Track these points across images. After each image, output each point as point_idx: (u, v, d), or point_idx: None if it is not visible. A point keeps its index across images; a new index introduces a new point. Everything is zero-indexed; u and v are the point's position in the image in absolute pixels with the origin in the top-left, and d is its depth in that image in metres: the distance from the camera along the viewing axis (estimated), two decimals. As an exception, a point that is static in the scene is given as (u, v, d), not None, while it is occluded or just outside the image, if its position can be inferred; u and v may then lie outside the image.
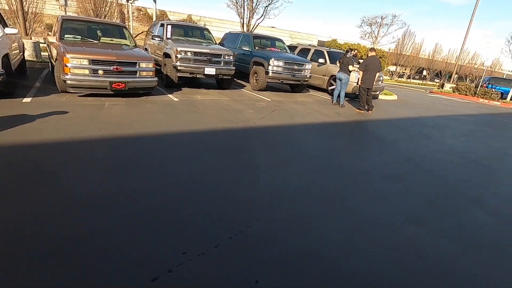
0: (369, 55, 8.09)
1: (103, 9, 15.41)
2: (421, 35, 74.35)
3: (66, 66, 5.43)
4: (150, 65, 6.34)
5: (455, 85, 21.53)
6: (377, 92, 11.17)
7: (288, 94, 9.90)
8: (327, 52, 11.17)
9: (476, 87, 20.28)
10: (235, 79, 11.64)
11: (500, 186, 4.03)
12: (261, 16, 14.95)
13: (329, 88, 10.77)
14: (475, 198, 3.46)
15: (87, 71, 5.61)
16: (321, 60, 10.82)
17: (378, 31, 27.30)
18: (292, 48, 12.36)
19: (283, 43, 11.26)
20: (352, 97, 10.62)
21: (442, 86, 23.00)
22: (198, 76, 8.02)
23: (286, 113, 6.71)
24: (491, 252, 2.44)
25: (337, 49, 18.56)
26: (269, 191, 2.98)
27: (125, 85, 5.92)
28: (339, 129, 6.11)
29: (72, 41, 6.31)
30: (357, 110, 8.24)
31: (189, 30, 9.38)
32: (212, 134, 4.57)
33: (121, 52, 6.27)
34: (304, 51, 12.03)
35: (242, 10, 14.83)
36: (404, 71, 40.14)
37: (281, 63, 9.17)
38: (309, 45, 12.76)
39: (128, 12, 21.52)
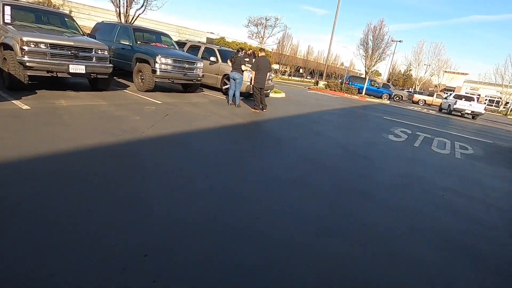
0: (259, 55, 8.20)
1: None
2: (297, 37, 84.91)
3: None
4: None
5: (326, 83, 25.22)
6: (268, 91, 11.68)
7: (181, 94, 9.10)
8: (218, 50, 10.87)
9: (341, 84, 24.30)
10: (115, 77, 9.96)
11: (381, 176, 4.61)
12: (142, 6, 13.29)
13: (223, 87, 10.54)
14: (366, 192, 3.78)
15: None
16: (212, 59, 10.44)
17: (264, 32, 29.11)
18: (180, 44, 11.48)
19: (170, 38, 10.28)
20: (246, 96, 10.73)
21: (317, 83, 26.62)
22: (60, 75, 6.25)
23: (181, 118, 6.00)
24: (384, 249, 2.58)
25: (227, 47, 18.68)
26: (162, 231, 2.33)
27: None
28: (239, 132, 5.86)
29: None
30: (253, 109, 8.28)
31: (42, 16, 7.23)
32: (81, 156, 3.47)
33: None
34: (194, 48, 11.37)
35: (117, -3, 12.79)
36: (285, 69, 44.69)
37: (169, 61, 8.26)
38: (199, 42, 12.16)
39: None
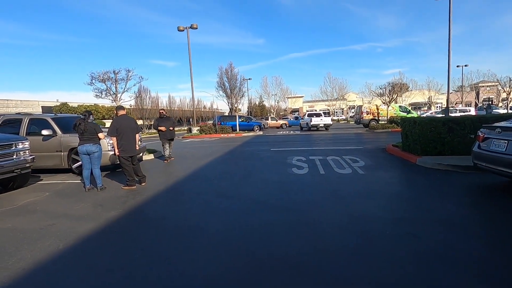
0: (118, 114, 6.16)
1: None
2: (154, 90, 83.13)
3: None
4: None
5: (199, 128, 24.51)
6: (141, 154, 9.44)
7: (1, 197, 5.73)
8: (53, 119, 7.92)
9: (214, 125, 24.14)
10: None
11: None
12: None
13: (73, 166, 7.63)
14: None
15: None
16: (45, 132, 7.43)
17: (116, 88, 25.88)
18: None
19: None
20: (111, 168, 8.16)
21: (190, 130, 25.51)
22: None
23: (-11, 253, 3.21)
24: None
25: (71, 113, 14.88)
26: None
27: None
28: (117, 242, 3.58)
29: None
30: (126, 187, 6.00)
31: None
32: None
33: None
34: (13, 124, 7.94)
35: None
36: (149, 123, 41.88)
37: (-43, 153, 5.00)
38: (18, 113, 8.63)
39: None
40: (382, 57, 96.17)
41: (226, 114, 39.03)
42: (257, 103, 72.51)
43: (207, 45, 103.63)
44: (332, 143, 13.29)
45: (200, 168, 8.16)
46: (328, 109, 56.25)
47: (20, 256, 3.13)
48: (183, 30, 23.02)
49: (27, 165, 6.27)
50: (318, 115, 25.47)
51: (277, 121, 36.03)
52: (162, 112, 10.20)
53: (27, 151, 6.27)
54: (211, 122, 30.30)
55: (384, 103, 24.59)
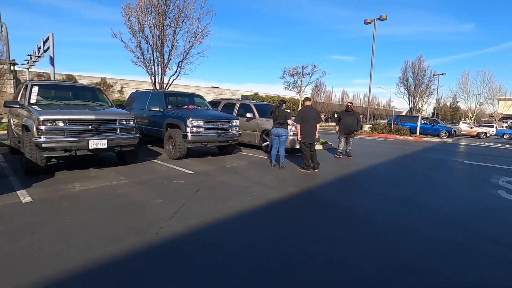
0: (304, 104, 6.95)
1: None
2: (330, 84, 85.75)
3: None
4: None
5: (371, 125, 23.20)
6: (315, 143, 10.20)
7: (216, 158, 7.96)
8: (254, 105, 9.96)
9: (389, 125, 22.09)
10: (148, 145, 9.33)
11: None
12: (176, 72, 13.41)
13: (263, 144, 9.32)
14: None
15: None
16: (249, 115, 9.48)
17: (301, 81, 28.93)
18: (214, 104, 10.88)
19: (203, 99, 9.66)
20: (289, 152, 9.32)
21: (361, 127, 24.63)
22: (79, 153, 5.45)
23: (214, 195, 4.62)
24: None
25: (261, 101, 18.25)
26: None
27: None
28: (294, 213, 4.20)
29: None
30: (302, 170, 6.73)
31: (72, 92, 6.93)
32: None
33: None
34: (229, 107, 10.64)
35: (152, 67, 13.06)
36: (322, 115, 43.78)
37: (201, 123, 7.34)
38: (233, 99, 11.52)
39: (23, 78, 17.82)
40: None
41: (404, 113, 34.62)
42: (447, 104, 59.53)
43: (391, 36, 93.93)
44: None
45: (371, 166, 7.84)
46: None
47: (232, 204, 4.29)
48: (370, 23, 22.05)
49: (235, 138, 8.28)
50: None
51: (471, 128, 27.86)
52: (350, 105, 9.36)
53: (237, 128, 8.27)
54: (385, 121, 27.88)
55: None
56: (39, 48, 12.33)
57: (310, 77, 28.54)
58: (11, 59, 14.11)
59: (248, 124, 9.62)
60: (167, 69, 13.15)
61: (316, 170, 6.80)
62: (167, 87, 13.44)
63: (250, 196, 4.61)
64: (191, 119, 7.14)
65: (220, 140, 7.76)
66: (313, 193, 5.09)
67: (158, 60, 12.91)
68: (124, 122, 6.01)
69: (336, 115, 11.12)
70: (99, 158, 7.18)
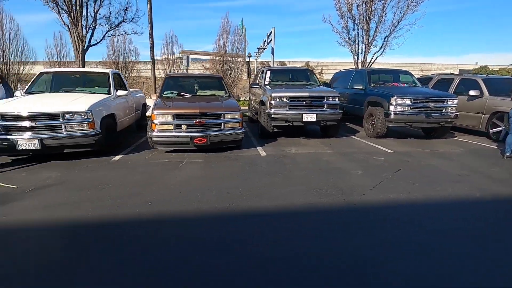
0: None
1: (232, 66, 17.02)
2: None
3: (153, 122, 5.28)
4: (237, 116, 5.56)
5: None
6: None
7: (421, 141, 7.16)
8: (484, 80, 7.84)
9: None
10: (346, 123, 9.82)
11: None
12: (380, 48, 12.75)
13: (491, 131, 7.30)
14: None
15: (171, 127, 5.29)
16: (472, 93, 7.62)
17: None
18: (424, 80, 9.56)
19: (411, 75, 8.75)
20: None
21: None
22: (295, 124, 6.72)
23: (419, 176, 4.33)
24: None
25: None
26: None
27: (206, 139, 5.24)
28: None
29: (167, 97, 6.33)
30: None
31: (291, 74, 8.45)
32: (286, 222, 2.95)
33: (205, 104, 5.75)
34: (443, 83, 9.00)
35: (356, 45, 13.11)
36: None
37: (408, 101, 6.79)
38: (451, 74, 9.56)
39: (251, 67, 23.68)
40: None
41: None
42: None
43: None
44: None
45: None
46: None
47: (443, 189, 3.87)
48: None
49: (449, 120, 7.01)
50: None
51: None
52: None
53: (454, 108, 6.96)
54: None
55: None
56: (264, 42, 15.65)
57: None
58: (247, 53, 18.93)
59: (470, 104, 7.78)
60: (371, 46, 12.79)
61: None
62: (369, 66, 13.16)
63: (466, 186, 3.95)
64: (395, 97, 6.78)
65: (428, 121, 6.88)
66: None
67: (363, 38, 12.79)
68: (330, 99, 6.69)
69: None
70: (307, 130, 8.44)
